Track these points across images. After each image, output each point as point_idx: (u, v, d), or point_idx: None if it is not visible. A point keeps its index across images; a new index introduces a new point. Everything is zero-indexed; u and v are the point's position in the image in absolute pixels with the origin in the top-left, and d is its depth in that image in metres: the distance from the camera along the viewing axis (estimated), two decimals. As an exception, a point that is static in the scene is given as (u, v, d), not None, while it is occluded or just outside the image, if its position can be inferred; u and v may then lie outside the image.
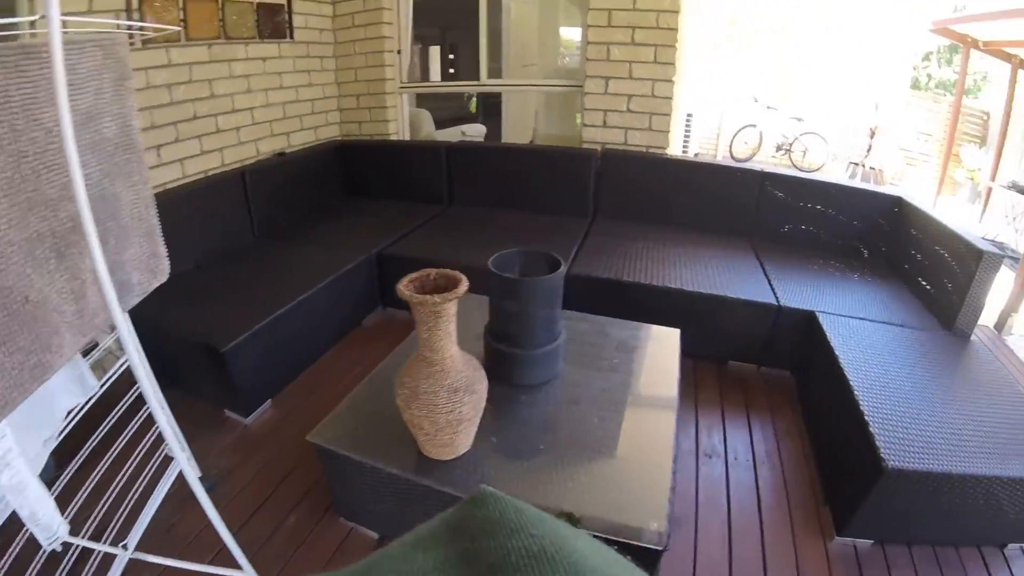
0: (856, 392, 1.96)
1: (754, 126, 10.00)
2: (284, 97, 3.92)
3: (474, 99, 6.77)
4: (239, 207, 3.28)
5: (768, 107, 9.87)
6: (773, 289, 2.70)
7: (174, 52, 3.02)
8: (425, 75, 3.94)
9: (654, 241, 3.18)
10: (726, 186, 3.39)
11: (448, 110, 6.66)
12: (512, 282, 1.78)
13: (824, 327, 2.38)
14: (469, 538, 0.33)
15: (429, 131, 4.80)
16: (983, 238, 2.63)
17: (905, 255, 3.03)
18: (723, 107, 10.49)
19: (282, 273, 2.84)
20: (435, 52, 7.39)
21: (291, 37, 3.89)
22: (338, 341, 3.04)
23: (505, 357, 1.87)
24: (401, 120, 4.49)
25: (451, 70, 7.21)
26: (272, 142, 3.89)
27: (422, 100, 6.45)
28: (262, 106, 3.73)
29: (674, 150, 3.75)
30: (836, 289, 2.79)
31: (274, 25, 3.70)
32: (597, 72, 3.60)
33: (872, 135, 8.99)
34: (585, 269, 2.78)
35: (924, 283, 2.81)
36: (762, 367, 2.85)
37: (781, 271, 2.92)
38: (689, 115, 9.51)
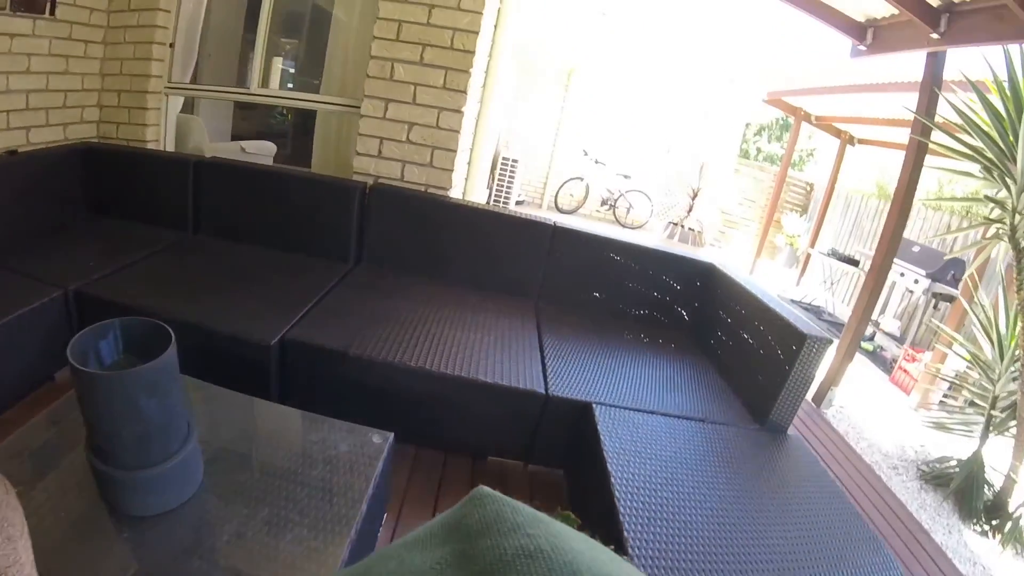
0: (621, 513, 1.50)
1: (581, 179, 10.14)
2: (29, 84, 3.04)
3: (287, 116, 5.97)
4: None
5: (597, 161, 10.06)
6: (545, 371, 2.18)
7: None
8: (243, 82, 3.23)
9: (417, 299, 2.58)
10: (514, 238, 2.90)
11: (257, 124, 5.83)
12: (88, 378, 1.09)
13: (598, 423, 1.89)
14: (466, 537, 0.34)
15: (199, 143, 3.96)
16: (799, 300, 2.31)
17: (716, 331, 2.67)
18: (552, 157, 10.50)
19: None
20: (276, 62, 6.51)
21: (51, 13, 3.05)
22: (22, 397, 2.15)
23: (100, 477, 1.20)
24: (163, 126, 3.64)
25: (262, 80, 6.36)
26: (4, 137, 2.96)
27: (239, 112, 5.55)
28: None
29: (457, 192, 3.22)
30: (627, 371, 2.35)
31: (28, -1, 2.84)
32: (376, 92, 3.00)
33: (694, 196, 9.24)
34: (307, 334, 2.08)
35: (734, 365, 2.45)
36: (529, 464, 2.33)
37: (562, 345, 2.43)
38: (514, 160, 9.39)
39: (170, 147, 3.72)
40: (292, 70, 5.77)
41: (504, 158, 9.49)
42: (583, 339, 2.55)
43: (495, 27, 3.46)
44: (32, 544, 0.99)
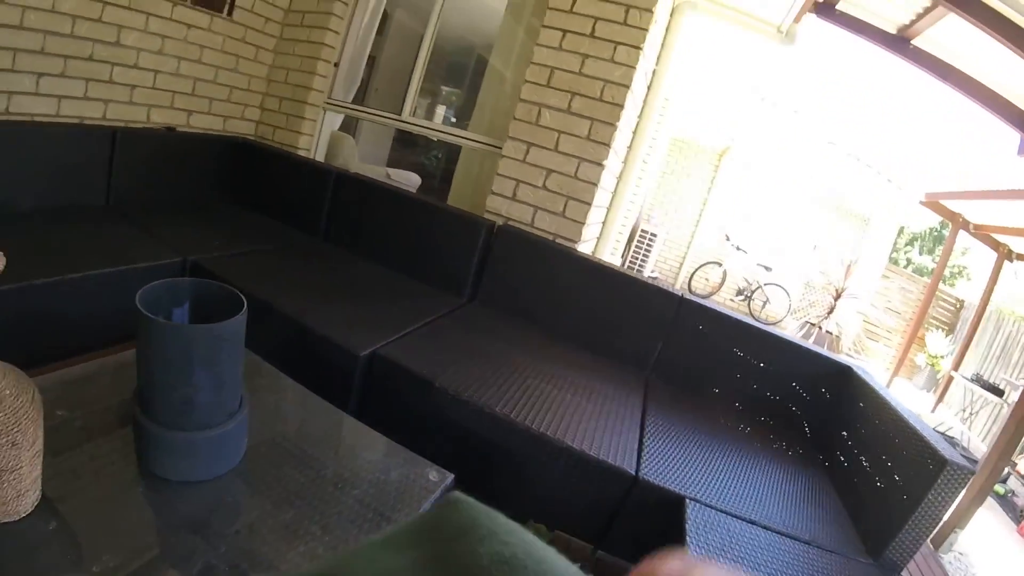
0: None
1: (719, 264, 9.64)
2: (199, 73, 3.39)
3: (440, 158, 6.18)
4: (99, 167, 2.77)
5: (738, 247, 9.51)
6: (640, 452, 1.94)
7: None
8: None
9: (522, 347, 2.45)
10: (637, 304, 2.71)
11: (410, 159, 6.07)
12: (147, 323, 1.07)
13: (687, 521, 1.64)
14: (442, 541, 0.34)
15: (348, 160, 4.14)
16: (935, 428, 1.98)
17: (842, 442, 2.35)
18: (693, 237, 10.15)
19: (85, 241, 2.31)
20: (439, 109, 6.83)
21: (228, 14, 3.39)
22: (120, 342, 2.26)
23: (137, 427, 1.17)
24: (317, 137, 3.86)
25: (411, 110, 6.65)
26: (168, 114, 3.30)
27: (396, 145, 5.82)
28: (170, 73, 3.22)
29: (586, 249, 3.10)
30: (732, 470, 2.05)
31: (210, -7, 3.22)
32: (520, 135, 2.99)
33: (837, 296, 8.53)
34: (400, 354, 2.00)
35: (857, 485, 2.12)
36: (599, 550, 2.09)
37: (666, 428, 2.18)
38: (653, 235, 9.16)
39: (320, 158, 3.92)
40: (453, 118, 6.00)
41: (643, 230, 9.32)
42: (690, 427, 2.29)
43: (648, 88, 3.39)
44: (45, 463, 0.99)
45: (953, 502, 1.79)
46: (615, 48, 2.84)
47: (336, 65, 3.77)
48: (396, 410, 2.02)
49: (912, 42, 3.98)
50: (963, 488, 1.77)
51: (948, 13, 3.28)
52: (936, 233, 17.47)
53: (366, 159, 4.75)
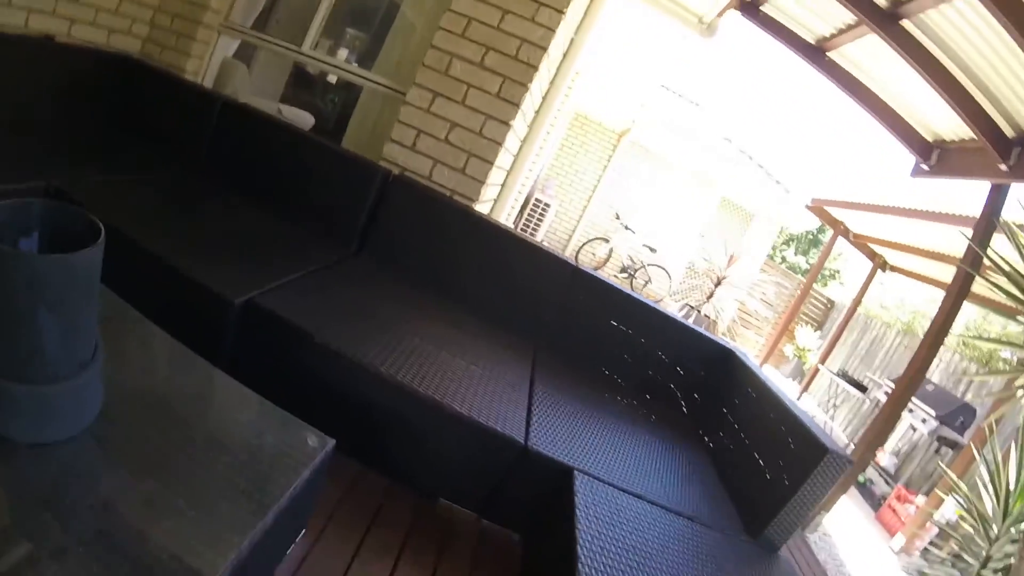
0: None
1: (607, 240, 9.97)
2: None
3: (336, 103, 5.84)
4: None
5: (627, 226, 9.88)
6: (529, 421, 1.92)
7: None
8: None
9: (411, 306, 2.37)
10: (532, 270, 2.68)
11: (305, 101, 5.71)
12: None
13: (576, 494, 1.63)
14: None
15: (238, 90, 3.80)
16: None
17: (721, 424, 2.43)
18: (584, 212, 10.42)
19: None
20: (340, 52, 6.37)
21: None
22: None
23: None
24: (207, 61, 3.49)
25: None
26: (48, 21, 2.82)
27: (293, 83, 5.41)
28: None
29: (483, 209, 3.03)
30: (617, 443, 2.09)
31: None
32: (427, 83, 2.85)
33: (717, 283, 9.02)
34: (279, 305, 1.84)
35: (736, 467, 2.20)
36: (483, 519, 2.06)
37: (554, 399, 2.17)
38: (547, 205, 9.31)
39: (208, 85, 3.56)
40: (355, 62, 5.66)
41: (537, 199, 9.42)
42: (577, 398, 2.30)
43: (563, 56, 3.33)
44: None
45: (830, 488, 1.90)
46: (538, 8, 2.77)
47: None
48: (273, 368, 1.86)
49: (828, 54, 4.17)
50: (840, 475, 1.87)
51: (868, 33, 3.44)
52: (812, 237, 18.87)
53: (258, 93, 4.39)
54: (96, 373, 1.02)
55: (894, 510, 5.04)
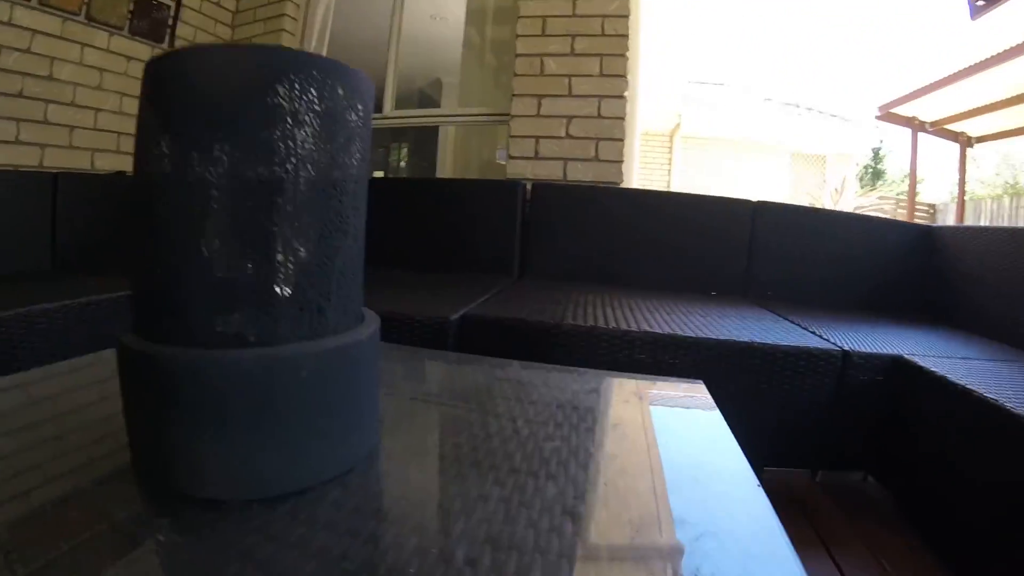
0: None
1: None
2: None
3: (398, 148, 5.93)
4: (40, 222, 2.28)
5: None
6: (818, 335, 1.66)
7: (19, 11, 2.45)
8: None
9: (613, 296, 2.18)
10: (708, 226, 2.48)
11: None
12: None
13: (935, 375, 1.35)
14: None
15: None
16: None
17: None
18: None
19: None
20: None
21: (170, 44, 3.10)
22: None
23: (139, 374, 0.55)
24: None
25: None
26: (115, 160, 2.92)
27: None
28: (113, 111, 2.87)
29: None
30: (890, 334, 1.82)
31: (151, 23, 2.96)
32: (526, 89, 2.77)
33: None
34: (484, 312, 1.66)
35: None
36: (819, 473, 1.79)
37: (808, 322, 1.91)
38: None
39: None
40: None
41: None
42: (820, 316, 2.04)
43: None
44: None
45: None
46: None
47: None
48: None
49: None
50: None
51: None
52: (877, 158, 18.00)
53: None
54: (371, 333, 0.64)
55: None
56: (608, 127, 2.68)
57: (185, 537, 0.47)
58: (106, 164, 2.83)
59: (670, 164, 10.08)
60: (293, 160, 0.51)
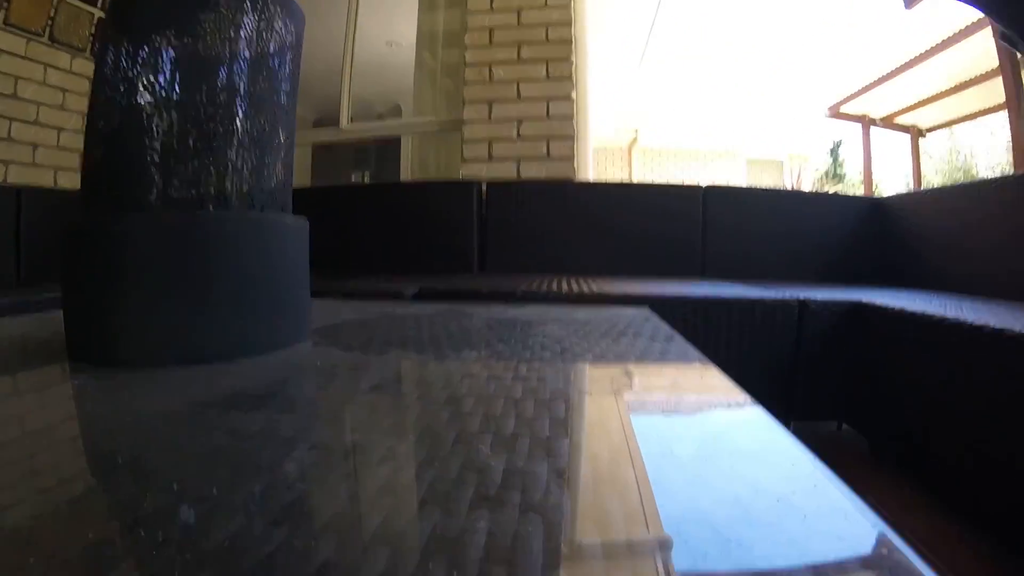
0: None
1: None
2: None
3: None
4: (4, 236, 2.28)
5: None
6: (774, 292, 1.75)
7: (-17, 31, 2.48)
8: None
9: (569, 278, 2.24)
10: (660, 211, 2.59)
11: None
12: None
13: (893, 309, 1.46)
14: None
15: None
16: None
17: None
18: None
19: None
20: None
21: None
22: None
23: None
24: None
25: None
26: (77, 179, 2.85)
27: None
28: (75, 131, 2.84)
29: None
30: (845, 292, 1.91)
31: (112, 48, 2.92)
32: (476, 96, 2.87)
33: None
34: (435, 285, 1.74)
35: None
36: (791, 423, 1.84)
37: (765, 287, 2.00)
38: None
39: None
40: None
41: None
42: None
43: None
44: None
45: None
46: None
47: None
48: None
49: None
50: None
51: None
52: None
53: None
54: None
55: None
56: (558, 127, 2.80)
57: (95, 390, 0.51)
58: (68, 183, 2.82)
59: (630, 178, 10.29)
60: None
